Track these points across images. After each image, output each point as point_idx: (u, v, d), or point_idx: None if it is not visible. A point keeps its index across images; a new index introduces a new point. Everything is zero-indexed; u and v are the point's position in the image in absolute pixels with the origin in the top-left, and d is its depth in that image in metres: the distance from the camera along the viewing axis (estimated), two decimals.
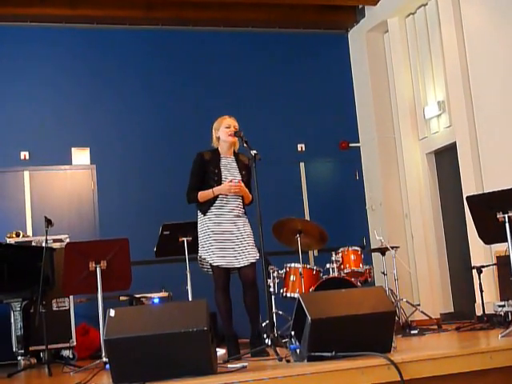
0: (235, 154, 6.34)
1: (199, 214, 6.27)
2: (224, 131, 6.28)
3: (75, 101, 10.19)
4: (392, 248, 8.62)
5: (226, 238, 6.12)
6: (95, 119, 10.22)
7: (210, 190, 6.15)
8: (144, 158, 10.29)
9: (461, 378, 4.40)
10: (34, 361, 7.16)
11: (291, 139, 10.99)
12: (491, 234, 5.89)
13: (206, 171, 6.24)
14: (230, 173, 6.25)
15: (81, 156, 10.11)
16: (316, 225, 8.24)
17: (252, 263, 6.13)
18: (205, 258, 6.18)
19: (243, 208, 6.17)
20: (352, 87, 11.45)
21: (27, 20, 10.05)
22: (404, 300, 8.75)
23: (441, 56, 9.84)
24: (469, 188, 8.88)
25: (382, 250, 8.74)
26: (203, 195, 6.19)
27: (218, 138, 6.33)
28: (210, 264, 6.14)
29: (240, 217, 6.19)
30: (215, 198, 6.16)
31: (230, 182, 6.14)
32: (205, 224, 6.20)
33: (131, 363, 4.24)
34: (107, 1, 10.15)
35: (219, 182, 6.17)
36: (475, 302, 8.69)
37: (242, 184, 6.16)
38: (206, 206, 6.19)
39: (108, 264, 6.29)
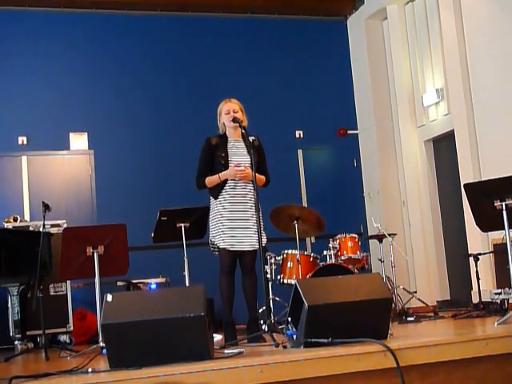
0: (243, 136, 6.32)
1: (211, 198, 6.31)
2: (225, 117, 6.30)
3: (73, 86, 10.17)
4: (389, 235, 8.63)
5: (234, 221, 6.15)
6: (93, 104, 10.21)
7: (217, 175, 6.17)
8: (142, 143, 10.28)
9: (457, 364, 4.40)
10: (30, 345, 7.17)
11: (289, 126, 10.99)
12: (488, 221, 5.89)
13: (214, 156, 6.26)
14: (238, 156, 6.25)
15: (79, 141, 10.11)
16: (313, 211, 8.24)
17: (253, 249, 6.15)
18: (214, 242, 6.20)
19: (255, 192, 6.04)
20: (350, 74, 11.43)
21: (25, 4, 10.02)
22: (401, 287, 8.79)
23: (440, 43, 9.83)
24: (466, 176, 8.89)
25: (380, 237, 8.75)
26: (210, 180, 6.22)
27: (224, 124, 6.35)
28: (218, 247, 6.16)
29: (250, 201, 6.19)
30: (224, 182, 6.18)
31: (237, 166, 6.15)
32: (215, 208, 6.24)
33: (128, 348, 4.25)
34: None
35: (226, 166, 6.18)
36: (472, 289, 8.72)
37: (249, 169, 6.13)
38: (216, 191, 6.22)
39: (105, 249, 6.29)
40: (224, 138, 6.33)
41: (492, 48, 8.78)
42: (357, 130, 11.33)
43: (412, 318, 7.53)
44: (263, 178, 6.33)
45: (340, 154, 11.27)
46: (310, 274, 7.78)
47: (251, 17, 11.09)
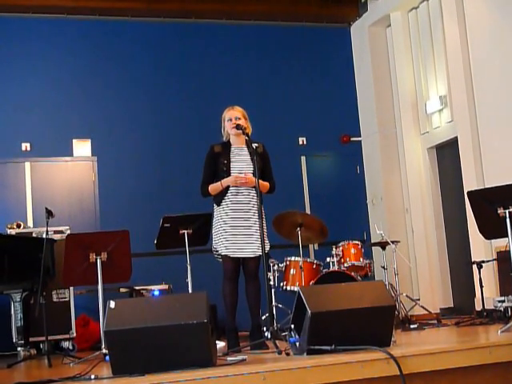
0: (247, 142, 6.31)
1: (214, 205, 6.32)
2: (228, 124, 6.30)
3: (76, 92, 10.18)
4: (392, 242, 8.62)
5: (237, 228, 6.14)
6: (96, 111, 10.22)
7: (219, 182, 6.18)
8: (145, 149, 10.29)
9: (460, 372, 4.40)
10: (33, 352, 7.16)
11: (292, 132, 10.99)
12: (492, 229, 5.89)
13: (217, 163, 6.26)
14: (241, 163, 6.25)
15: (82, 148, 10.11)
16: (316, 218, 8.23)
17: (256, 256, 6.14)
18: (216, 248, 6.20)
19: (258, 199, 6.01)
20: (354, 81, 11.43)
21: (29, 11, 10.05)
22: (404, 294, 8.76)
23: (443, 51, 9.83)
24: (470, 183, 8.88)
25: (383, 245, 8.74)
26: (213, 188, 6.23)
27: (227, 131, 6.35)
28: (220, 253, 6.15)
29: (253, 208, 6.19)
30: (227, 189, 6.18)
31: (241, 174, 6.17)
32: (218, 215, 6.25)
33: (131, 355, 4.25)
34: None
35: (228, 173, 6.18)
36: (475, 297, 8.69)
37: (251, 175, 6.14)
38: (219, 198, 6.23)
39: (108, 256, 6.30)
40: (227, 146, 6.34)
41: (495, 55, 8.77)
42: (360, 136, 11.32)
43: (415, 326, 7.53)
44: (267, 184, 6.33)
45: (343, 160, 11.27)
46: (312, 281, 7.77)
47: (255, 24, 11.10)
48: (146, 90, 10.48)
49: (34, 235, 8.04)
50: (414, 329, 7.37)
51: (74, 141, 10.11)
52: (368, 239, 10.51)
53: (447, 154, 10.11)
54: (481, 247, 8.72)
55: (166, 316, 4.34)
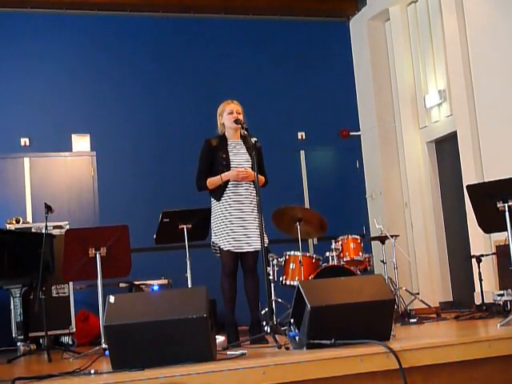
0: (242, 137, 6.31)
1: (213, 200, 6.28)
2: (227, 117, 6.26)
3: (75, 87, 10.18)
4: (392, 237, 8.64)
5: (238, 223, 6.12)
6: (96, 106, 10.22)
7: (219, 176, 6.15)
8: (144, 144, 10.29)
9: (459, 366, 4.40)
10: (33, 347, 7.16)
11: (291, 127, 10.99)
12: (491, 223, 5.88)
13: (215, 157, 6.24)
14: (239, 156, 6.24)
15: (81, 143, 10.11)
16: (316, 213, 8.24)
17: (255, 251, 6.14)
18: (217, 244, 6.18)
19: (256, 193, 6.05)
20: (353, 75, 11.43)
21: (28, 6, 10.04)
22: (403, 288, 8.78)
23: (442, 45, 9.83)
24: (469, 177, 8.88)
25: (382, 239, 8.75)
26: (212, 182, 6.19)
27: (224, 124, 6.32)
28: (220, 248, 6.14)
29: (253, 202, 6.18)
30: (226, 183, 6.16)
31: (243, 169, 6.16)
32: (219, 210, 6.20)
33: (131, 349, 4.25)
34: None
35: (228, 167, 6.16)
36: (474, 290, 8.70)
37: (250, 169, 6.13)
38: (219, 193, 6.19)
39: (108, 251, 6.29)
40: (223, 140, 6.31)
41: (494, 49, 8.77)
42: (359, 131, 11.32)
43: (414, 320, 7.53)
44: (263, 178, 6.33)
45: (342, 155, 11.27)
46: (312, 276, 7.77)
47: (253, 18, 11.09)
48: (144, 84, 10.48)
49: (33, 230, 8.04)
50: (414, 323, 7.37)
51: (73, 136, 10.10)
52: (367, 233, 10.53)
53: (446, 148, 10.11)
54: (480, 241, 8.72)
55: (165, 310, 4.34)
